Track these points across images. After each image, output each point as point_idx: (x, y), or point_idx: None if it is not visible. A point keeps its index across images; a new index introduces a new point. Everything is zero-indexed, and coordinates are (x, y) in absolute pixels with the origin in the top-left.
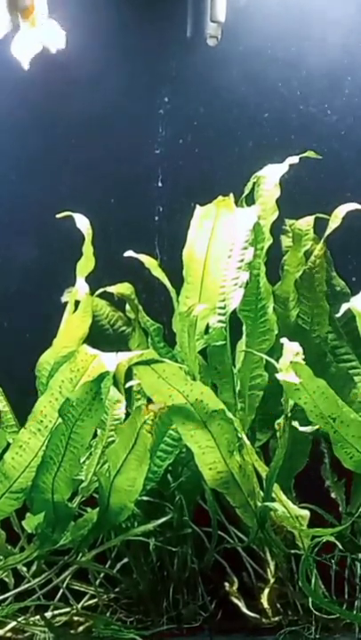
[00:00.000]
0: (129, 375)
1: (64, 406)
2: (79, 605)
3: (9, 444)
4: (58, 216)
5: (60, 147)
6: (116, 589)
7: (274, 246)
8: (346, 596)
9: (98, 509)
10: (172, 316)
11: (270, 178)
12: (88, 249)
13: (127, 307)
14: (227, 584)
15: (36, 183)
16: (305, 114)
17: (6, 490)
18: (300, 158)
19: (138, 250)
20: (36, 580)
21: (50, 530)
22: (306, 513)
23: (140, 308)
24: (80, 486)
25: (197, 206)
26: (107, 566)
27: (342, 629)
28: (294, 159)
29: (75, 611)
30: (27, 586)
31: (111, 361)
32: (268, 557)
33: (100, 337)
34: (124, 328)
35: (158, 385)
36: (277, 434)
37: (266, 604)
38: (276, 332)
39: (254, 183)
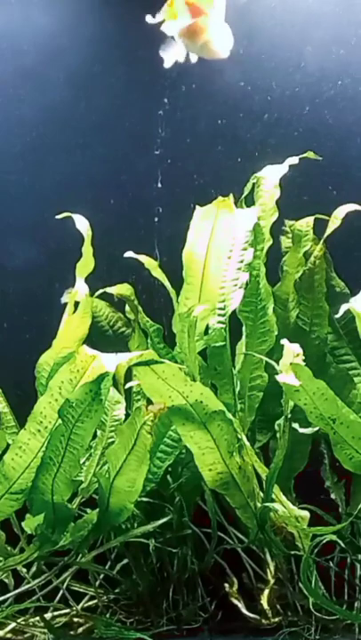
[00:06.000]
0: (128, 376)
1: (64, 407)
2: (79, 606)
3: (9, 445)
4: (58, 217)
5: (60, 147)
6: (116, 590)
7: (274, 247)
8: (346, 597)
9: (97, 510)
10: (171, 316)
11: (270, 179)
12: (88, 249)
13: (127, 307)
14: (226, 585)
15: (36, 184)
16: (305, 114)
17: (6, 491)
18: (300, 159)
19: (137, 250)
20: (36, 581)
21: (49, 531)
22: (306, 514)
23: (140, 308)
24: (80, 487)
25: (197, 207)
26: (106, 567)
27: (342, 630)
28: (294, 160)
29: (74, 612)
30: (26, 587)
31: (111, 362)
32: (268, 558)
33: (99, 338)
34: (123, 329)
35: (158, 386)
36: (277, 435)
37: (266, 605)
38: (275, 332)
39: (254, 184)
